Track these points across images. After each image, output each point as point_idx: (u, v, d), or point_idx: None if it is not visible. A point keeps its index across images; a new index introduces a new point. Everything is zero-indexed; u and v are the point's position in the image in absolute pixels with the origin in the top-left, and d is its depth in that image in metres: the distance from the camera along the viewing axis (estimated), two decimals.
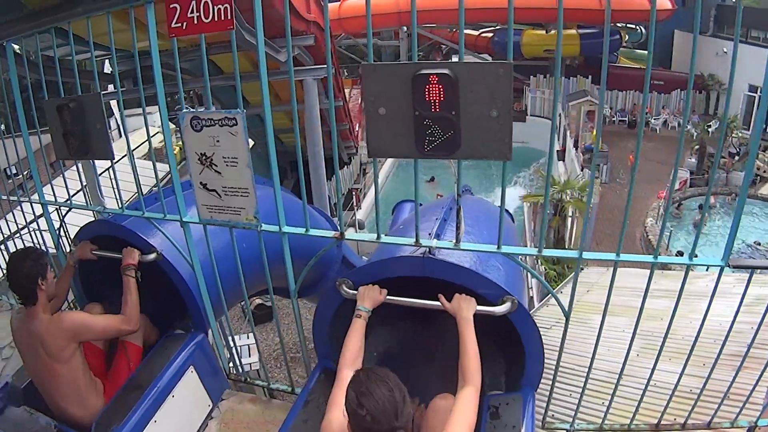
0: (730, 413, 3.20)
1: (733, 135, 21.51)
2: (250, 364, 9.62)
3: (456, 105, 2.03)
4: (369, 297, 2.73)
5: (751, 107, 23.38)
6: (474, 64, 1.99)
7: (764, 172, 20.67)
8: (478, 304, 2.65)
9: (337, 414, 2.22)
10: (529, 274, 3.67)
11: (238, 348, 9.66)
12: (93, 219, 3.69)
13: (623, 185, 22.18)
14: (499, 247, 2.44)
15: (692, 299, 5.76)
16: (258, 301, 12.12)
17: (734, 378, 2.97)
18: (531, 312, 2.90)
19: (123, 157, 3.96)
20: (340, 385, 2.40)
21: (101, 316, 3.15)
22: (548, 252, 2.43)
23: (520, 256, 2.56)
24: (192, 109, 2.66)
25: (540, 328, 2.79)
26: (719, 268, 2.44)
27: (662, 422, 3.25)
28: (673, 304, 2.61)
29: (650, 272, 2.50)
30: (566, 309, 2.62)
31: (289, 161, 18.54)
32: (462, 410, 2.31)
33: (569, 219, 16.93)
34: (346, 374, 2.43)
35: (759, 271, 2.46)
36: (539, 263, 12.92)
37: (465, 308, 2.61)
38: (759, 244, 16.96)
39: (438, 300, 2.70)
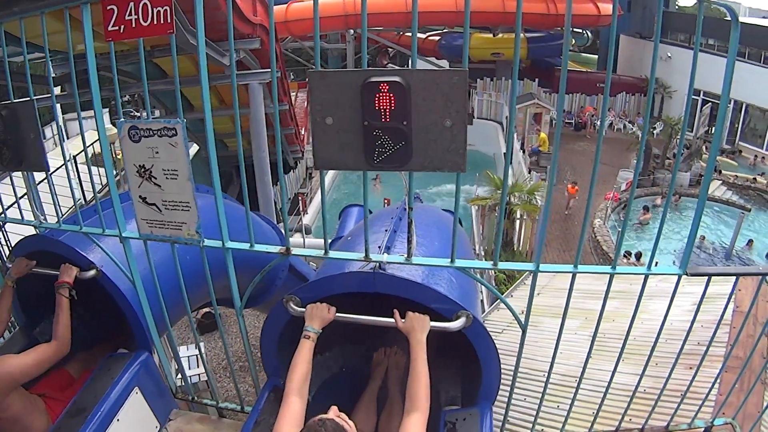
0: (688, 414, 3.21)
1: (677, 137, 22.13)
2: (199, 375, 9.38)
3: (407, 114, 1.94)
4: (317, 316, 2.59)
5: (694, 109, 24.23)
6: (427, 71, 1.90)
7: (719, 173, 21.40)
8: (432, 318, 2.57)
9: None
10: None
11: (187, 359, 9.39)
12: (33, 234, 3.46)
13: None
14: (452, 261, 2.36)
15: (643, 300, 5.84)
16: (205, 309, 11.86)
17: (693, 378, 2.99)
18: (482, 316, 2.83)
19: (61, 166, 3.74)
20: (285, 412, 2.28)
21: (31, 351, 2.90)
22: (504, 265, 2.37)
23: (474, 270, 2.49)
24: (132, 118, 2.51)
25: (491, 333, 2.73)
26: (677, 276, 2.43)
27: (621, 427, 3.23)
28: (622, 305, 2.62)
29: (608, 282, 2.47)
30: (522, 322, 2.57)
31: (235, 166, 18.14)
32: None
33: (517, 222, 17.09)
34: (292, 401, 2.32)
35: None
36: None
37: (419, 329, 2.51)
38: (704, 238, 17.52)
39: (391, 316, 2.61)
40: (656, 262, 2.48)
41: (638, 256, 16.22)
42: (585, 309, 6.24)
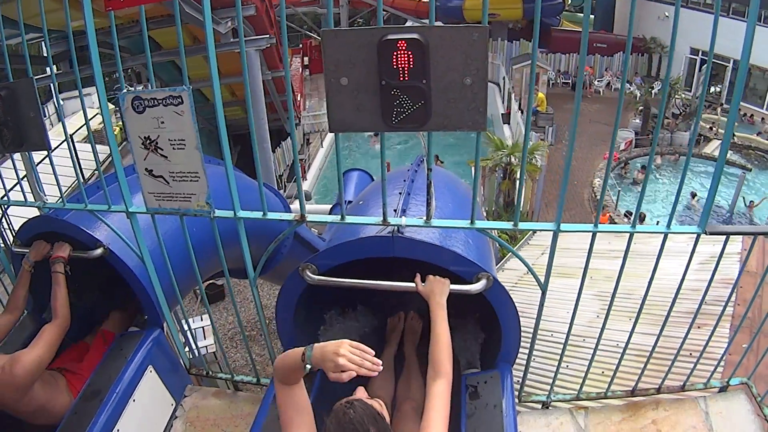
0: (699, 374, 3.21)
1: (676, 96, 21.98)
2: (206, 346, 9.42)
3: (426, 73, 1.85)
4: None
5: (693, 69, 23.99)
6: (446, 28, 1.81)
7: (715, 132, 21.26)
8: (453, 282, 2.53)
9: None
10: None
11: (194, 332, 9.45)
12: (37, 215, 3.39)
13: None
14: (472, 223, 2.30)
15: (648, 258, 5.82)
16: (209, 281, 11.89)
17: (709, 339, 2.96)
18: None
19: (63, 142, 3.64)
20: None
21: (37, 339, 2.86)
22: (524, 225, 2.31)
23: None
24: (132, 89, 2.41)
25: None
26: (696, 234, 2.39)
27: (637, 387, 3.22)
28: (628, 264, 2.56)
29: (628, 241, 2.42)
30: (542, 283, 2.52)
31: (232, 135, 18.07)
32: (435, 408, 2.16)
33: (517, 182, 17.02)
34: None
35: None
36: None
37: (439, 292, 2.46)
38: (694, 195, 17.50)
39: (407, 281, 2.56)
40: (657, 221, 2.43)
41: (642, 217, 16.24)
42: (590, 268, 6.22)
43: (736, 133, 21.20)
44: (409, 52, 1.82)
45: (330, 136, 23.29)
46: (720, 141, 20.44)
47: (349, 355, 1.87)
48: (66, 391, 2.99)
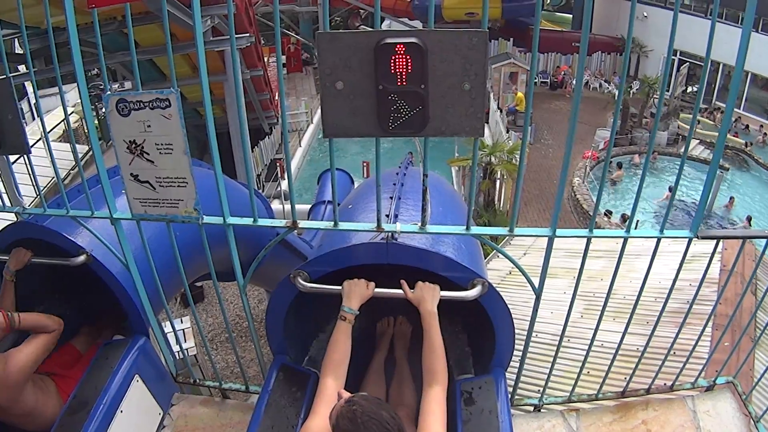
0: (686, 373, 3.23)
1: (655, 96, 22.23)
2: (187, 349, 9.31)
3: (425, 77, 1.81)
4: (356, 294, 2.46)
5: (672, 70, 24.30)
6: (446, 32, 1.77)
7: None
8: (445, 287, 2.50)
9: (318, 423, 2.06)
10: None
11: (178, 336, 9.31)
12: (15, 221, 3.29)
13: (548, 145, 22.72)
14: (468, 229, 2.27)
15: (630, 259, 5.85)
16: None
17: (698, 339, 2.99)
18: None
19: (38, 140, 3.54)
20: (322, 395, 2.22)
21: (31, 338, 2.80)
22: (520, 230, 2.28)
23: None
24: (102, 92, 2.33)
25: None
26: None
27: (627, 389, 3.24)
28: (610, 264, 2.59)
29: (622, 245, 2.41)
30: (537, 287, 2.50)
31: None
32: (433, 413, 2.18)
33: (498, 181, 17.12)
34: (329, 384, 2.25)
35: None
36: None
37: (429, 300, 2.43)
38: (671, 189, 17.76)
39: (399, 286, 2.53)
40: (636, 222, 2.45)
41: (624, 217, 16.43)
42: (572, 268, 6.25)
43: (708, 132, 21.57)
44: (408, 56, 1.78)
45: (308, 135, 23.21)
46: (698, 141, 20.86)
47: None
48: (56, 395, 2.93)
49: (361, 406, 1.83)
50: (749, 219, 16.83)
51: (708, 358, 3.25)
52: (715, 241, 2.59)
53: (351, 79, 1.87)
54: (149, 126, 2.31)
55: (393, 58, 1.79)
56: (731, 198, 18.12)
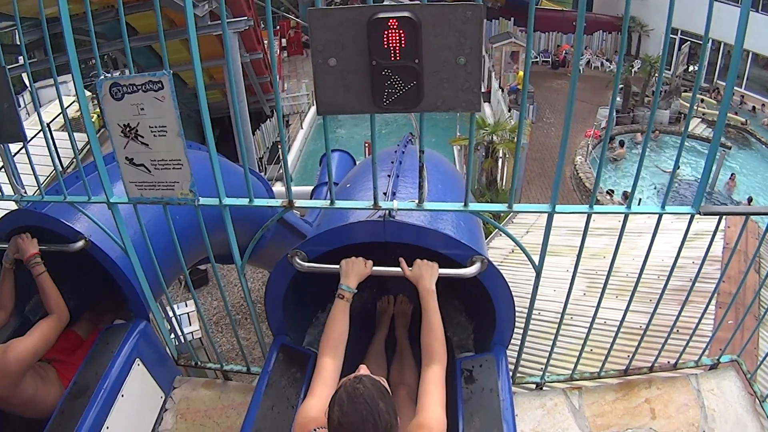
0: (690, 351, 3.22)
1: (656, 75, 22.07)
2: (192, 332, 9.35)
3: (419, 52, 1.78)
4: (354, 273, 2.44)
5: (672, 48, 24.09)
6: (439, 6, 1.74)
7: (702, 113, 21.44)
8: (444, 264, 2.48)
9: (315, 404, 2.05)
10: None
11: (179, 319, 9.34)
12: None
13: (550, 124, 22.66)
14: (466, 205, 2.24)
15: (632, 236, 5.84)
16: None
17: (701, 317, 2.97)
18: None
19: (39, 132, 3.51)
20: (319, 375, 2.20)
21: (34, 328, 2.78)
22: (519, 207, 2.26)
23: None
24: (109, 75, 2.31)
25: None
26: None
27: (631, 365, 3.23)
28: (612, 242, 2.55)
29: (623, 221, 2.39)
30: (537, 265, 2.48)
31: (210, 119, 17.74)
32: (431, 392, 2.16)
33: (500, 160, 17.08)
34: (327, 364, 2.24)
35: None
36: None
37: (427, 277, 2.41)
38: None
39: (398, 264, 2.51)
40: (639, 200, 2.41)
41: (626, 195, 16.39)
42: (575, 246, 6.23)
43: (711, 111, 21.44)
44: (401, 31, 1.75)
45: (309, 117, 23.13)
46: (700, 119, 20.75)
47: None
48: (57, 382, 2.93)
49: (365, 387, 1.80)
50: (750, 200, 16.79)
51: (711, 336, 3.23)
52: (717, 218, 2.55)
53: (344, 56, 1.84)
54: (143, 109, 2.29)
55: (386, 33, 1.75)
56: (732, 175, 18.03)
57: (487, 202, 14.77)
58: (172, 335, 3.71)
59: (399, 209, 2.32)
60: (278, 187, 13.02)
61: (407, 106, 1.89)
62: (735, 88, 23.87)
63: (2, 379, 2.60)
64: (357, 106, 1.93)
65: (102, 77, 2.30)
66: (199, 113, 2.31)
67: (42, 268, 2.88)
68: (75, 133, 2.99)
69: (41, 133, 3.00)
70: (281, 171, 17.20)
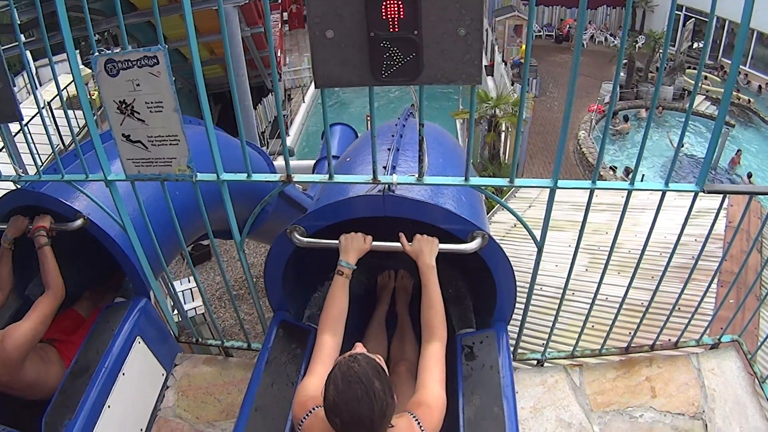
0: (695, 329, 3.22)
1: (660, 51, 21.82)
2: (195, 308, 9.36)
3: (418, 23, 1.73)
4: (353, 248, 2.41)
5: (677, 24, 23.87)
6: None
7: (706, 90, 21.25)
8: (444, 239, 2.45)
9: (314, 382, 2.04)
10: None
11: (182, 294, 9.33)
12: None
13: (553, 98, 22.54)
14: (466, 179, 2.21)
15: (635, 212, 5.81)
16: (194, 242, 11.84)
17: (703, 296, 2.95)
18: None
19: (37, 114, 3.47)
20: (319, 353, 2.19)
21: (30, 311, 2.75)
22: (520, 182, 2.22)
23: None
24: (106, 51, 2.27)
25: None
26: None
27: (632, 343, 3.22)
28: (615, 218, 2.52)
29: (626, 198, 2.36)
30: (539, 240, 2.46)
31: (212, 94, 17.90)
32: (431, 369, 2.15)
33: (503, 134, 17.01)
34: (326, 341, 2.22)
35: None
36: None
37: (427, 253, 2.38)
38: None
39: (398, 240, 2.49)
40: (642, 176, 2.37)
41: (627, 171, 16.34)
42: (577, 221, 6.21)
43: (715, 88, 21.26)
44: (400, 2, 1.69)
45: (312, 91, 22.99)
46: (704, 96, 20.59)
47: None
48: (58, 362, 2.92)
49: (360, 366, 1.77)
50: (749, 176, 16.71)
51: (713, 315, 3.22)
52: (721, 196, 2.51)
53: (341, 27, 1.79)
54: (138, 85, 2.25)
55: (384, 3, 1.70)
56: (738, 151, 17.92)
57: (489, 177, 14.77)
58: (175, 312, 3.71)
59: (399, 183, 2.28)
60: (280, 162, 13.00)
61: (406, 79, 1.85)
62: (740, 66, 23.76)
63: (3, 367, 2.59)
64: (355, 78, 1.88)
65: (96, 54, 2.26)
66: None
67: (45, 239, 2.85)
68: (77, 111, 2.95)
69: (43, 111, 2.96)
70: (282, 145, 17.10)
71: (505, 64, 23.25)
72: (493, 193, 2.45)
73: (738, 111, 20.72)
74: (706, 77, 21.99)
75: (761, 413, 2.93)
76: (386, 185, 2.38)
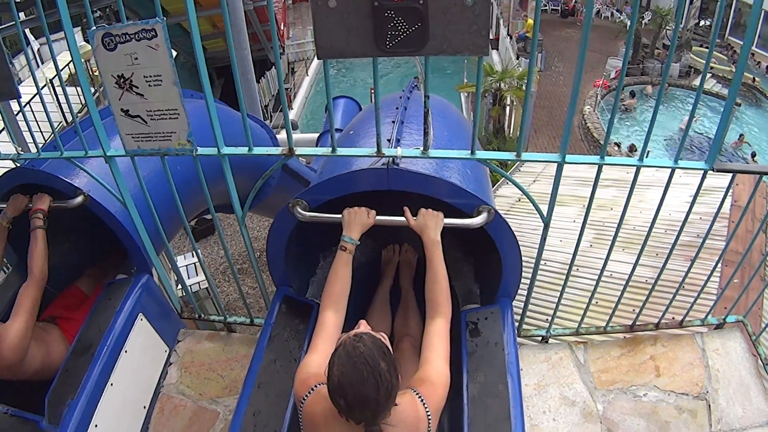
0: (701, 308, 3.19)
1: (667, 27, 21.62)
2: (199, 283, 9.37)
3: None
4: (357, 223, 2.35)
5: (684, 1, 23.56)
6: None
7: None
8: (449, 214, 2.40)
9: (316, 359, 2.01)
10: None
11: (185, 268, 9.30)
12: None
13: (559, 72, 22.37)
14: (473, 153, 2.16)
15: (640, 189, 5.75)
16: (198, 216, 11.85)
17: (709, 276, 2.93)
18: None
19: (43, 86, 3.42)
20: (321, 330, 2.16)
21: (15, 306, 2.72)
22: (528, 156, 2.18)
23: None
24: (105, 26, 2.22)
25: None
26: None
27: (636, 323, 3.21)
28: (620, 193, 2.49)
29: (635, 174, 2.31)
30: (545, 216, 2.42)
31: (214, 68, 17.83)
32: (435, 345, 2.11)
33: (508, 108, 16.90)
34: (328, 317, 2.18)
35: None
36: None
37: (432, 227, 2.33)
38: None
39: (400, 214, 2.44)
40: (648, 152, 2.33)
41: (631, 148, 16.26)
42: (581, 197, 6.17)
43: (720, 66, 21.02)
44: None
45: (315, 64, 22.83)
46: (710, 74, 20.40)
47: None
48: (62, 340, 2.91)
49: (366, 346, 1.73)
50: (753, 155, 16.58)
51: (719, 295, 3.19)
52: (730, 176, 2.47)
53: None
54: (136, 59, 2.20)
55: None
56: (741, 135, 17.78)
57: (495, 150, 14.70)
58: (179, 287, 3.69)
59: (403, 157, 2.24)
60: (283, 135, 12.95)
61: (411, 49, 1.80)
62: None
63: (6, 369, 2.59)
64: (358, 49, 1.83)
65: (94, 28, 2.21)
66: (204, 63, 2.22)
67: (41, 222, 2.83)
68: (77, 88, 2.91)
69: (45, 89, 2.92)
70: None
71: (511, 37, 23.06)
72: (498, 167, 2.40)
73: (744, 90, 20.49)
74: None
75: (764, 395, 2.92)
76: (390, 158, 2.33)
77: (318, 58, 1.88)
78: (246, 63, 13.07)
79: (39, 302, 2.76)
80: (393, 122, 2.90)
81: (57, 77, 2.93)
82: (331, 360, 1.74)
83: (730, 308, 3.18)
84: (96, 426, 2.60)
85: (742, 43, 2.03)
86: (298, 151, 2.35)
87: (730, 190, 5.37)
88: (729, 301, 3.25)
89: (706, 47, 22.95)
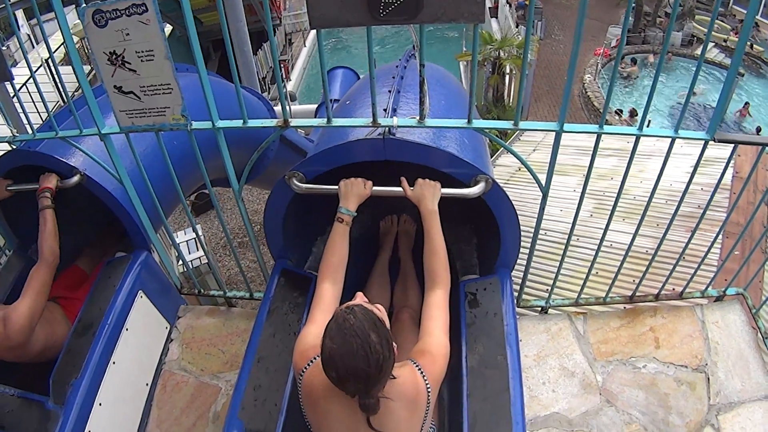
0: (701, 279, 3.21)
1: None
2: (199, 258, 9.39)
3: None
4: (353, 194, 2.34)
5: None
6: None
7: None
8: (447, 184, 2.38)
9: (314, 331, 2.00)
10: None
11: (186, 244, 9.29)
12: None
13: (559, 41, 22.17)
14: (469, 122, 2.13)
15: (641, 158, 5.74)
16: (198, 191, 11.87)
17: (709, 248, 2.92)
18: None
19: (39, 67, 3.38)
20: (318, 301, 2.15)
21: (25, 286, 2.69)
22: (525, 125, 2.15)
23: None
24: (96, 2, 2.18)
25: None
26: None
27: (636, 293, 3.21)
28: (620, 163, 2.47)
29: (634, 143, 2.29)
30: (544, 185, 2.40)
31: (211, 41, 17.76)
32: (434, 317, 2.10)
33: (507, 76, 16.75)
34: (326, 289, 2.17)
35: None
36: None
37: (429, 197, 2.31)
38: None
39: (398, 185, 2.41)
40: (648, 121, 2.30)
41: (632, 113, 16.13)
42: (582, 166, 6.14)
43: (722, 35, 20.75)
44: None
45: (312, 35, 22.64)
46: (714, 44, 20.15)
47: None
48: (64, 320, 2.92)
49: (356, 318, 1.71)
50: (758, 130, 16.44)
51: (719, 267, 3.19)
52: (732, 146, 2.44)
53: None
54: (128, 34, 2.17)
55: None
56: (746, 104, 17.59)
57: (494, 119, 14.59)
58: (179, 262, 3.69)
59: (399, 126, 2.21)
60: (279, 108, 12.83)
61: (406, 17, 1.75)
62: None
63: (9, 350, 2.59)
64: (352, 18, 1.79)
65: (84, 5, 2.17)
66: (199, 34, 2.19)
67: (49, 202, 2.82)
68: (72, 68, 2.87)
69: (40, 69, 2.89)
70: (284, 90, 16.90)
71: (510, 5, 22.79)
72: (497, 136, 2.37)
73: (747, 60, 20.23)
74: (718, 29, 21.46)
75: (763, 368, 2.93)
76: (386, 128, 2.30)
77: (311, 28, 1.85)
78: (242, 35, 12.90)
79: (50, 284, 2.75)
80: (389, 92, 2.86)
81: (50, 58, 2.89)
82: (324, 333, 1.72)
83: (730, 281, 3.18)
84: (100, 404, 2.62)
85: (746, 11, 2.00)
86: (293, 122, 2.32)
87: (732, 162, 5.38)
88: (729, 273, 3.25)
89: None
